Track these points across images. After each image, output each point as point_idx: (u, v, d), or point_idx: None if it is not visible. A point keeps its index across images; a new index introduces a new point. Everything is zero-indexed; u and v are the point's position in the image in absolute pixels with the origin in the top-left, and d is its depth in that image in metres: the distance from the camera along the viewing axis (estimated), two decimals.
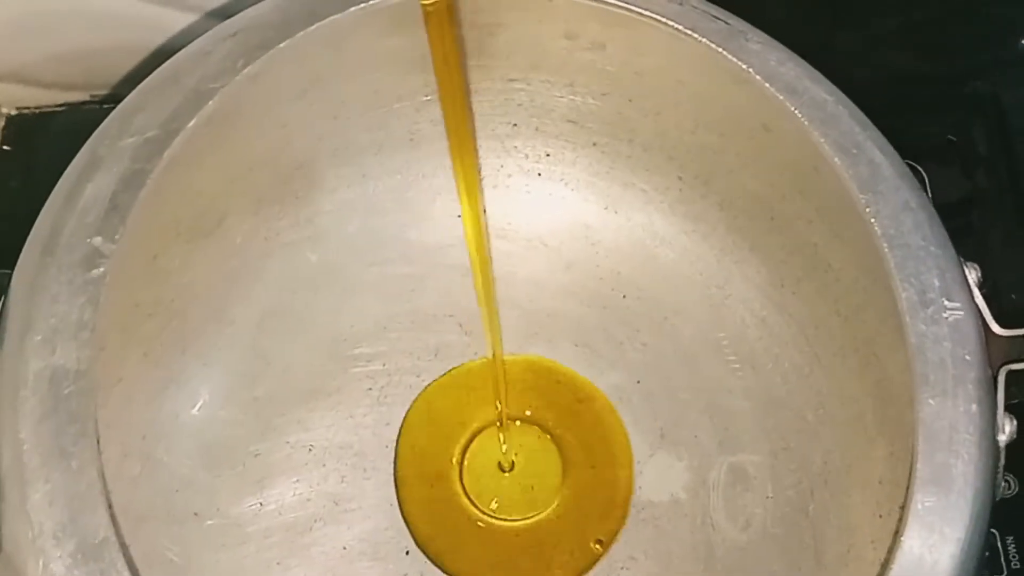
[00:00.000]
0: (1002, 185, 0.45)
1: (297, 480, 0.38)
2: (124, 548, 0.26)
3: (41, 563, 0.26)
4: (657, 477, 0.39)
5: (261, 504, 0.38)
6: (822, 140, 0.33)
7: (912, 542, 0.28)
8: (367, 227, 0.42)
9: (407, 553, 0.38)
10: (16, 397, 0.28)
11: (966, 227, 0.45)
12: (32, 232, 0.31)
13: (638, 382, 0.41)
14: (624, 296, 0.42)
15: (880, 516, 0.34)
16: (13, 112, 0.46)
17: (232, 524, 0.37)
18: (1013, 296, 0.42)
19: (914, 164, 0.42)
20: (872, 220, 0.32)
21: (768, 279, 0.41)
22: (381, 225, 0.42)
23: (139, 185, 0.30)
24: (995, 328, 0.32)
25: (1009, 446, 0.42)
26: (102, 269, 0.29)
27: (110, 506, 0.27)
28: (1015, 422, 0.31)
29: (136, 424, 0.36)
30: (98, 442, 0.27)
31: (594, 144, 0.42)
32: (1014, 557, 0.41)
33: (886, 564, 0.28)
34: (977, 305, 0.32)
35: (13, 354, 0.28)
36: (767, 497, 0.39)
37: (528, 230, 0.43)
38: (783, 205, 0.39)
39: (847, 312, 0.37)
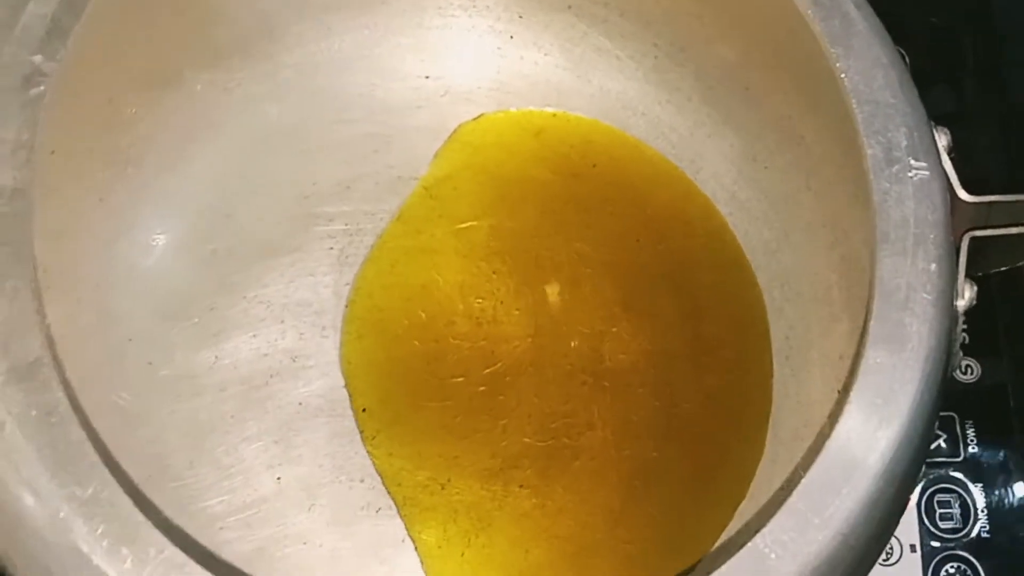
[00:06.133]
0: (980, 63, 0.45)
1: (254, 335, 0.38)
2: (59, 368, 0.26)
3: None
4: (619, 345, 0.39)
5: (217, 357, 0.37)
6: None
7: (862, 398, 0.28)
8: (332, 84, 0.41)
9: (364, 411, 0.38)
10: None
11: (944, 99, 0.45)
12: None
13: (604, 252, 0.40)
14: (594, 165, 0.41)
15: (838, 391, 0.33)
16: None
17: (187, 376, 0.37)
18: (984, 164, 0.41)
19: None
20: (842, 75, 0.31)
21: (741, 153, 0.40)
22: (346, 83, 0.41)
23: (81, 7, 0.29)
24: (961, 194, 0.31)
25: (973, 331, 0.42)
26: (42, 88, 0.28)
27: (46, 327, 0.26)
28: (975, 288, 0.31)
29: (90, 273, 0.36)
30: (35, 264, 0.27)
31: (569, 7, 0.41)
32: (972, 441, 0.41)
33: (835, 417, 0.28)
34: (944, 168, 0.31)
35: None
36: (727, 371, 0.39)
37: (498, 94, 0.42)
38: (759, 76, 0.38)
39: (818, 187, 0.37)
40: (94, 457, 0.25)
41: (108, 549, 0.25)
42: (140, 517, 0.25)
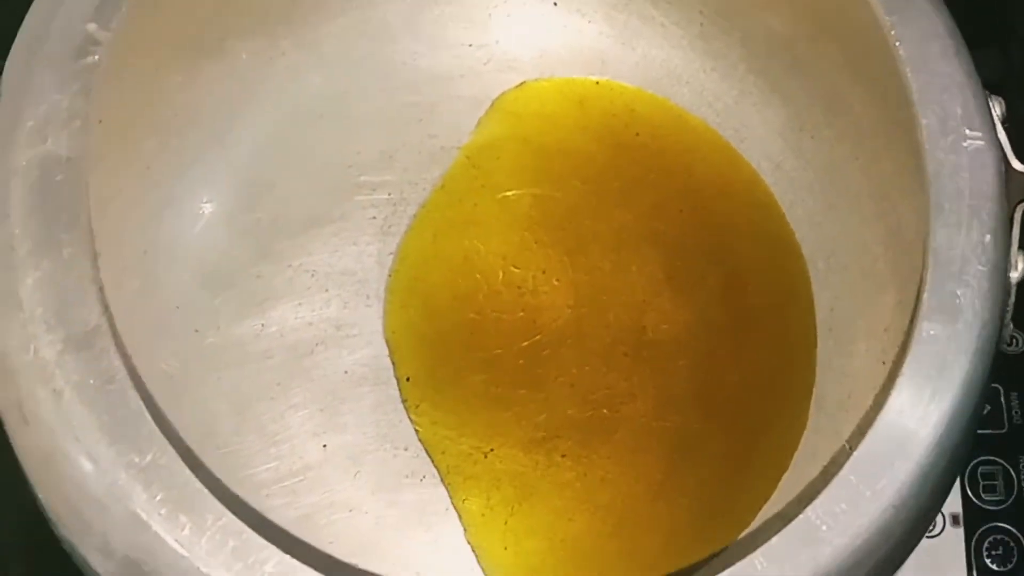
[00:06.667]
0: None
1: (299, 303, 0.38)
2: (116, 336, 0.26)
3: (32, 348, 0.26)
4: (661, 317, 0.39)
5: (263, 325, 0.38)
6: None
7: (915, 370, 0.28)
8: (375, 53, 0.41)
9: (407, 380, 0.38)
10: (7, 186, 0.27)
11: (994, 67, 0.44)
12: (24, 22, 0.30)
13: (646, 223, 0.40)
14: (637, 134, 0.41)
15: (884, 363, 0.33)
16: None
17: (233, 343, 0.37)
18: None
19: None
20: (897, 44, 0.31)
21: (788, 122, 0.40)
22: (389, 52, 0.41)
23: None
24: (1015, 164, 0.31)
25: (1018, 301, 0.41)
26: (96, 57, 0.28)
27: (103, 295, 0.26)
28: None
29: (136, 240, 0.36)
30: (91, 232, 0.27)
31: None
32: (1016, 412, 0.41)
33: (886, 389, 0.28)
34: (999, 138, 0.31)
35: (4, 143, 0.28)
36: (770, 342, 0.39)
37: (541, 62, 0.42)
38: (807, 44, 0.37)
39: (865, 157, 0.36)
40: (152, 425, 0.26)
41: (166, 516, 0.25)
42: (198, 485, 0.25)
